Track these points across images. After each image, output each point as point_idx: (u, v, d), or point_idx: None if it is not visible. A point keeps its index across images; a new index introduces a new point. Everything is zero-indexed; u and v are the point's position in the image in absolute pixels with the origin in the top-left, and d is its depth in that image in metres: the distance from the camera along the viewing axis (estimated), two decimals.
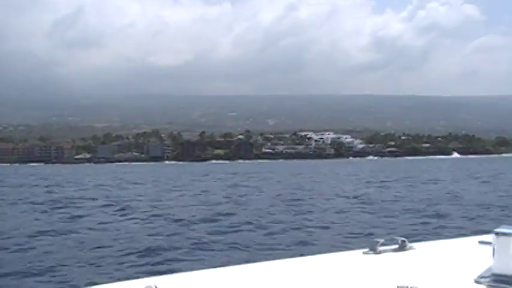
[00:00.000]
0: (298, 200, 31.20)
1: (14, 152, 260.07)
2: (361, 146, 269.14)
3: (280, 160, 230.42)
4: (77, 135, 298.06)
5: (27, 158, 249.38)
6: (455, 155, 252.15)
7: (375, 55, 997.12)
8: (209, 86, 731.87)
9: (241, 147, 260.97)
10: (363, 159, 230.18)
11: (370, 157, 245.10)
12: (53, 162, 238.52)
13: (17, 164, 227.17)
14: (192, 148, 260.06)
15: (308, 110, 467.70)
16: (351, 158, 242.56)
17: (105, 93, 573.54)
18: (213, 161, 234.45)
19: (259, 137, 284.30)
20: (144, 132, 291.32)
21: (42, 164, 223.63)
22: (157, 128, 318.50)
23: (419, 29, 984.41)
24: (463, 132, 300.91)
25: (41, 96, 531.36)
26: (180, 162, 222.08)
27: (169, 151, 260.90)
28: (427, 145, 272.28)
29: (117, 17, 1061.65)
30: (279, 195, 35.15)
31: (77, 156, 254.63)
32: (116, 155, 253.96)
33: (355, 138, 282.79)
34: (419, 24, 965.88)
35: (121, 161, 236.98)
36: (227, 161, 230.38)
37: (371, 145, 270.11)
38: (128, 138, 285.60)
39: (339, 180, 57.85)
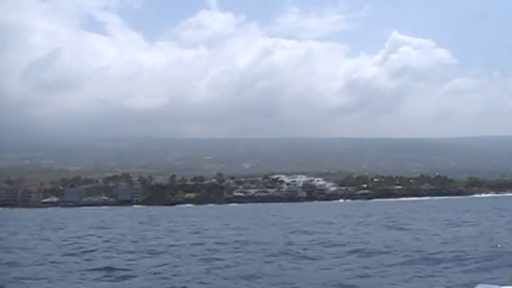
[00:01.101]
0: None
1: None
2: (333, 188, 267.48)
3: (249, 204, 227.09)
4: (49, 178, 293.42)
5: None
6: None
7: (350, 98, 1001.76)
8: (185, 129, 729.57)
9: (211, 191, 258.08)
10: (330, 202, 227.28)
11: (341, 200, 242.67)
12: (20, 206, 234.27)
13: None
14: (162, 192, 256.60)
15: (284, 153, 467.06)
16: (316, 201, 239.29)
17: (80, 136, 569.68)
18: (182, 205, 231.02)
19: (231, 181, 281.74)
20: (114, 176, 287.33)
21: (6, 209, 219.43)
22: (132, 171, 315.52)
23: (392, 72, 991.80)
24: (437, 173, 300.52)
25: (13, 139, 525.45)
26: (149, 206, 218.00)
27: (139, 195, 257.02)
28: (400, 187, 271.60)
29: (93, 60, 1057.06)
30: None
31: (44, 200, 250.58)
32: (84, 199, 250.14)
33: (329, 181, 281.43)
34: (393, 68, 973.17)
35: (89, 205, 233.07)
36: (195, 205, 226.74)
37: (343, 188, 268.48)
38: (97, 181, 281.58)
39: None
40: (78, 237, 45.15)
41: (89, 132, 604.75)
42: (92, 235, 48.65)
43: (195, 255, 29.13)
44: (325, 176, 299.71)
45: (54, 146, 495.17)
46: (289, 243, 34.48)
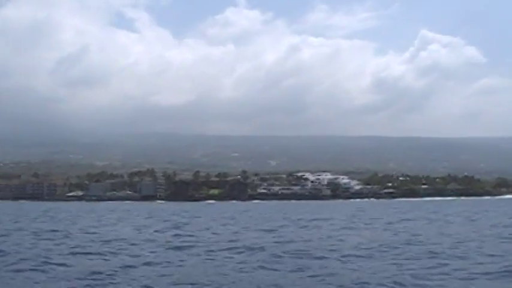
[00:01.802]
0: None
1: (7, 189, 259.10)
2: (358, 187, 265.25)
3: (274, 201, 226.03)
4: (77, 172, 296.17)
5: (19, 194, 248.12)
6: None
7: (377, 96, 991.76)
8: (211, 126, 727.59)
9: (235, 187, 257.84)
10: (354, 200, 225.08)
11: (366, 199, 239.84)
12: (45, 199, 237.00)
13: (9, 201, 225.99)
14: (186, 188, 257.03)
15: (310, 151, 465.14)
16: (340, 200, 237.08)
17: (107, 132, 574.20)
18: (208, 201, 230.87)
19: (256, 178, 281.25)
20: (139, 171, 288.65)
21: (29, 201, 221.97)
22: (158, 167, 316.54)
23: (420, 70, 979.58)
24: (465, 173, 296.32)
25: (43, 134, 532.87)
26: (170, 202, 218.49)
27: (162, 190, 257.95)
28: (425, 186, 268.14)
29: (121, 56, 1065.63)
30: None
31: (68, 194, 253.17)
32: (108, 193, 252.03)
33: (354, 179, 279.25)
34: (421, 66, 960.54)
35: (112, 199, 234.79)
36: (217, 202, 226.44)
37: (368, 186, 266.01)
38: (122, 176, 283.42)
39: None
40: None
41: (116, 128, 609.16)
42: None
43: None
44: (351, 174, 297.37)
45: (82, 141, 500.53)
46: None
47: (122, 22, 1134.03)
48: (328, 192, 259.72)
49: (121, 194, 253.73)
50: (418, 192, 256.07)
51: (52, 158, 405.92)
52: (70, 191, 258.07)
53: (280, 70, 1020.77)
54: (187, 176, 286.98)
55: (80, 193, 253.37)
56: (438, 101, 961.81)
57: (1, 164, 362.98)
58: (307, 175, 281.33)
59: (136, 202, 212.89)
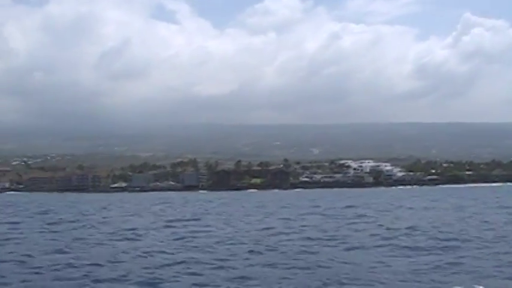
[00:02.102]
0: None
1: (53, 181, 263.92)
2: (400, 174, 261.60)
3: (317, 189, 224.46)
4: (121, 164, 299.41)
5: (65, 186, 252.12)
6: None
7: (419, 82, 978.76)
8: (254, 115, 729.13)
9: (277, 176, 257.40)
10: (396, 188, 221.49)
11: (409, 186, 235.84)
12: (90, 191, 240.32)
13: (55, 193, 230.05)
14: (227, 177, 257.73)
15: (353, 139, 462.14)
16: (382, 187, 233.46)
17: (151, 123, 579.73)
18: (249, 190, 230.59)
19: (298, 166, 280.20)
20: (181, 161, 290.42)
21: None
22: (201, 157, 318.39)
23: (464, 55, 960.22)
24: (510, 159, 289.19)
25: (87, 127, 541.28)
26: (212, 192, 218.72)
27: (205, 180, 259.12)
28: (470, 172, 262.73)
29: (163, 48, 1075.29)
30: None
31: (112, 185, 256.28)
32: (151, 184, 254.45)
33: (396, 166, 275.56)
34: (464, 50, 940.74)
35: (156, 190, 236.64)
36: (259, 191, 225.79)
37: (411, 173, 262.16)
38: (164, 167, 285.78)
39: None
40: None
41: (159, 119, 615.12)
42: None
43: None
44: (394, 161, 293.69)
45: (126, 133, 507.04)
46: None
47: (162, 14, 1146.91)
48: (371, 179, 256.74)
49: (164, 184, 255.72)
50: (462, 178, 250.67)
51: (97, 151, 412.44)
52: (114, 183, 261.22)
53: (322, 58, 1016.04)
54: (229, 165, 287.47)
55: (124, 184, 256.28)
56: (482, 86, 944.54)
57: (48, 157, 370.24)
58: (350, 163, 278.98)
59: (180, 192, 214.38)
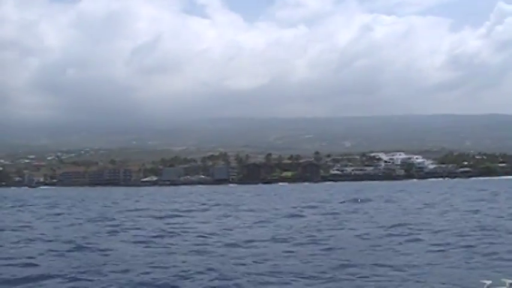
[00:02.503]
0: None
1: (85, 176, 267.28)
2: (432, 166, 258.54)
3: (346, 182, 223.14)
4: (154, 158, 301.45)
5: (96, 180, 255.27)
6: None
7: (452, 74, 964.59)
8: (285, 109, 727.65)
9: (307, 169, 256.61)
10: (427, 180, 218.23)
11: (440, 178, 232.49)
12: (121, 185, 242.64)
13: (87, 187, 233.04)
14: (258, 170, 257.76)
15: (385, 131, 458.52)
16: (414, 180, 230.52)
17: (183, 118, 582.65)
18: (279, 183, 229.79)
19: (328, 159, 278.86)
20: (212, 155, 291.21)
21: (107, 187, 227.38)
22: (233, 150, 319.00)
23: (498, 44, 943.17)
24: None
25: (121, 122, 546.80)
26: (242, 185, 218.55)
27: (235, 174, 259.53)
28: (503, 165, 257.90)
29: (194, 42, 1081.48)
30: None
31: (143, 179, 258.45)
32: (181, 178, 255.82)
33: (428, 158, 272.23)
34: (498, 40, 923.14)
35: (186, 184, 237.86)
36: (290, 184, 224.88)
37: (443, 165, 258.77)
38: (195, 161, 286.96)
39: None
40: None
41: (191, 114, 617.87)
42: None
43: None
44: (426, 153, 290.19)
45: (159, 128, 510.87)
46: None
47: (193, 9, 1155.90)
48: (402, 172, 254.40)
49: (194, 178, 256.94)
50: (495, 170, 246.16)
51: (130, 145, 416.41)
52: (145, 176, 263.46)
53: (353, 50, 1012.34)
54: (260, 159, 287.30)
55: (154, 178, 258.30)
56: None
57: (81, 152, 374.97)
58: (381, 155, 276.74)
59: (209, 186, 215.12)
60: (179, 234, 25.49)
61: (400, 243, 20.97)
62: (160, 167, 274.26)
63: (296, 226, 28.97)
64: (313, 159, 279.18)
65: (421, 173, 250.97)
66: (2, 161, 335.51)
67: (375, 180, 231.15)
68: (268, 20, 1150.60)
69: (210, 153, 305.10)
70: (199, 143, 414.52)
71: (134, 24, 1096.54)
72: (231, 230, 27.60)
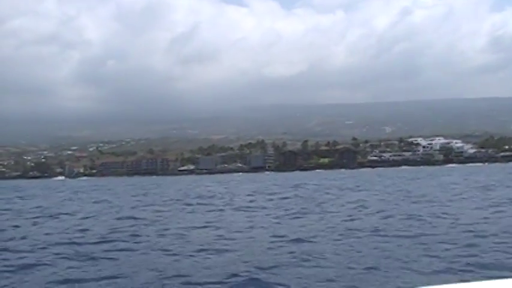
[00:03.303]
0: None
1: (124, 165, 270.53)
2: (471, 151, 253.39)
3: (381, 168, 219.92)
4: (194, 147, 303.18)
5: (135, 170, 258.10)
6: None
7: (494, 56, 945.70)
8: (324, 95, 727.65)
9: (344, 156, 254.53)
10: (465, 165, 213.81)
11: (479, 163, 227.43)
12: (159, 174, 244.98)
13: (125, 176, 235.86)
14: (294, 158, 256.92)
15: (425, 116, 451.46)
16: (453, 164, 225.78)
17: (222, 106, 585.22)
18: (316, 170, 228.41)
19: (366, 145, 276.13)
20: (249, 143, 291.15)
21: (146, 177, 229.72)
22: (273, 138, 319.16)
23: None
24: None
25: (161, 111, 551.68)
26: (279, 173, 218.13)
27: (272, 161, 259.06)
28: None
29: (232, 32, 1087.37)
30: None
31: (180, 168, 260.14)
32: (218, 166, 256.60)
33: (468, 143, 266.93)
34: None
35: (223, 172, 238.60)
36: (326, 170, 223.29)
37: (483, 150, 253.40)
38: (232, 149, 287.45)
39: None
40: None
41: (230, 102, 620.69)
42: None
43: None
44: (468, 138, 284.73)
45: (198, 117, 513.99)
46: None
47: None
48: (441, 157, 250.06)
49: (231, 166, 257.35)
50: None
51: (170, 134, 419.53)
52: (182, 165, 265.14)
53: (392, 35, 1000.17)
54: (299, 146, 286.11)
55: (191, 167, 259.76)
56: None
57: (122, 142, 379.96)
58: (419, 140, 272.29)
59: (245, 174, 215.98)
60: None
61: None
62: (198, 155, 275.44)
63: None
64: (350, 145, 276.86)
65: (461, 158, 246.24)
66: (45, 152, 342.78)
67: (413, 165, 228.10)
68: (306, 6, 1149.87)
69: (250, 141, 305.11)
70: (239, 132, 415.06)
71: (172, 15, 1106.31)
72: None
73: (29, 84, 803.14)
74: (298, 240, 17.60)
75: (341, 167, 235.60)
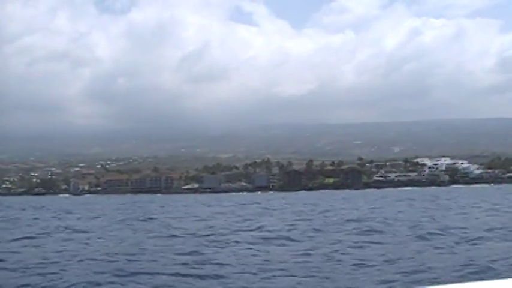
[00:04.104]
0: None
1: (128, 183, 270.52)
2: (477, 171, 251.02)
3: (387, 189, 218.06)
4: (202, 166, 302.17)
5: (139, 188, 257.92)
6: None
7: (504, 76, 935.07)
8: (334, 114, 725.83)
9: (349, 176, 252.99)
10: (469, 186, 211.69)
11: (483, 184, 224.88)
12: (163, 193, 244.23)
13: (129, 194, 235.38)
14: (299, 177, 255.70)
15: (435, 136, 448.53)
16: (458, 185, 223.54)
17: (232, 125, 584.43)
18: (320, 191, 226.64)
19: (371, 165, 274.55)
20: (254, 162, 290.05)
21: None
22: (282, 157, 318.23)
23: None
24: None
25: (171, 129, 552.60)
26: (282, 193, 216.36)
27: (276, 180, 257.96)
28: None
29: (241, 50, 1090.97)
30: None
31: (184, 187, 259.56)
32: (222, 185, 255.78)
33: (475, 163, 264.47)
34: None
35: (226, 191, 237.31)
36: (330, 191, 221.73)
37: (489, 171, 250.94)
38: (237, 168, 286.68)
39: None
40: None
41: (240, 121, 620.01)
42: None
43: None
44: (477, 158, 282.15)
45: (208, 135, 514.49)
46: None
47: (241, 16, 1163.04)
48: (446, 177, 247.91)
49: (235, 185, 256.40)
50: None
51: (178, 153, 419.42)
52: (186, 184, 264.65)
53: (401, 54, 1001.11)
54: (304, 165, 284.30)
55: (196, 185, 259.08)
56: None
57: (130, 160, 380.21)
58: (425, 161, 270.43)
59: (248, 193, 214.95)
60: None
61: None
62: (203, 174, 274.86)
63: None
64: (357, 165, 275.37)
65: (466, 179, 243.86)
66: (53, 169, 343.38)
67: (419, 186, 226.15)
68: (315, 26, 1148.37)
69: (259, 161, 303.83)
70: (248, 150, 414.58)
71: (182, 33, 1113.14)
72: None
73: (40, 101, 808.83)
74: None
75: (346, 187, 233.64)
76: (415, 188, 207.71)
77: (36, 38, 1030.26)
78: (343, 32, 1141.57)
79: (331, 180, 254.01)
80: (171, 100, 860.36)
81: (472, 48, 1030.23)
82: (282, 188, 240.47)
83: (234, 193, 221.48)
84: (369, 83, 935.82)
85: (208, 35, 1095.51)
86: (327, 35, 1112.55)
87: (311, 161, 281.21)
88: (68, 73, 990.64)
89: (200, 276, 16.91)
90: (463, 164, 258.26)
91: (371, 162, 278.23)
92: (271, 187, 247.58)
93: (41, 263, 20.39)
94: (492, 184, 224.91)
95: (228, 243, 25.90)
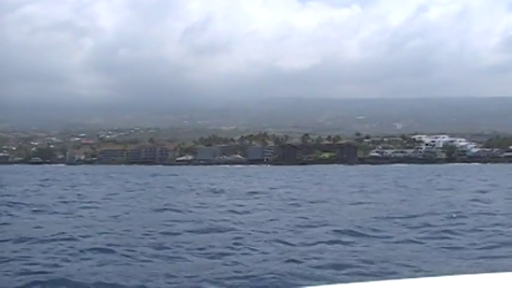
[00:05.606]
0: None
1: (123, 154, 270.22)
2: (475, 150, 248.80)
3: (383, 165, 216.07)
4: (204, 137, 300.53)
5: (134, 159, 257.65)
6: None
7: (507, 55, 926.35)
8: (336, 90, 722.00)
9: (344, 151, 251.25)
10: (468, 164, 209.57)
11: (477, 163, 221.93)
12: (157, 164, 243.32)
13: (123, 165, 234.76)
14: (294, 151, 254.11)
15: (437, 113, 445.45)
16: (455, 163, 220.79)
17: (235, 98, 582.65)
18: (315, 165, 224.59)
19: (368, 140, 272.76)
20: (251, 135, 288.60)
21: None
22: (283, 131, 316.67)
23: None
24: None
25: (173, 101, 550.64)
26: (276, 166, 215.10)
27: (270, 154, 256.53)
28: None
29: (245, 23, 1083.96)
30: None
31: (178, 158, 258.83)
32: (216, 158, 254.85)
33: (474, 142, 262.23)
34: None
35: (220, 163, 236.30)
36: (323, 166, 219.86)
37: (487, 149, 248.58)
38: (233, 140, 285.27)
39: None
40: None
41: (242, 94, 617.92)
42: None
43: None
44: (478, 137, 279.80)
45: (210, 107, 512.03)
46: None
47: None
48: (443, 155, 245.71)
49: (230, 158, 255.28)
50: None
51: (180, 125, 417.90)
52: (181, 155, 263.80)
53: (406, 31, 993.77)
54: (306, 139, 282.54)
55: (190, 157, 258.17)
56: None
57: (131, 130, 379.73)
58: (423, 137, 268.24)
59: (241, 166, 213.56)
60: None
61: None
62: (198, 146, 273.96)
63: None
64: (354, 140, 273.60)
65: (464, 157, 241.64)
66: (53, 138, 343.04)
67: (415, 163, 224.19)
68: (321, 0, 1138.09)
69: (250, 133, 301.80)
70: (250, 123, 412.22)
71: (186, 5, 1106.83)
72: None
73: (42, 70, 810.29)
74: None
75: (341, 162, 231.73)
76: (405, 165, 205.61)
77: (38, 6, 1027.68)
78: (349, 6, 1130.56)
79: (327, 155, 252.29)
80: (174, 72, 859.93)
81: (477, 27, 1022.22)
82: (276, 162, 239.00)
83: (227, 165, 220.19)
84: (372, 58, 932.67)
85: (212, 7, 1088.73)
86: (333, 9, 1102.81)
87: (307, 135, 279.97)
88: (70, 43, 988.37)
89: None
90: (460, 142, 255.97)
91: (367, 137, 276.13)
92: (265, 160, 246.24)
93: None
94: (488, 163, 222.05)
95: None
